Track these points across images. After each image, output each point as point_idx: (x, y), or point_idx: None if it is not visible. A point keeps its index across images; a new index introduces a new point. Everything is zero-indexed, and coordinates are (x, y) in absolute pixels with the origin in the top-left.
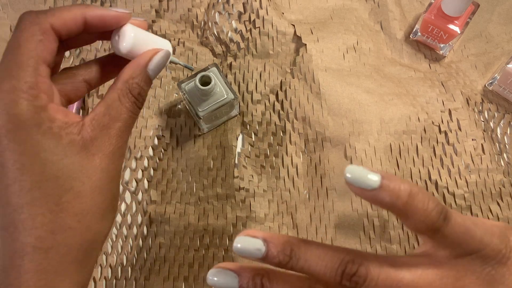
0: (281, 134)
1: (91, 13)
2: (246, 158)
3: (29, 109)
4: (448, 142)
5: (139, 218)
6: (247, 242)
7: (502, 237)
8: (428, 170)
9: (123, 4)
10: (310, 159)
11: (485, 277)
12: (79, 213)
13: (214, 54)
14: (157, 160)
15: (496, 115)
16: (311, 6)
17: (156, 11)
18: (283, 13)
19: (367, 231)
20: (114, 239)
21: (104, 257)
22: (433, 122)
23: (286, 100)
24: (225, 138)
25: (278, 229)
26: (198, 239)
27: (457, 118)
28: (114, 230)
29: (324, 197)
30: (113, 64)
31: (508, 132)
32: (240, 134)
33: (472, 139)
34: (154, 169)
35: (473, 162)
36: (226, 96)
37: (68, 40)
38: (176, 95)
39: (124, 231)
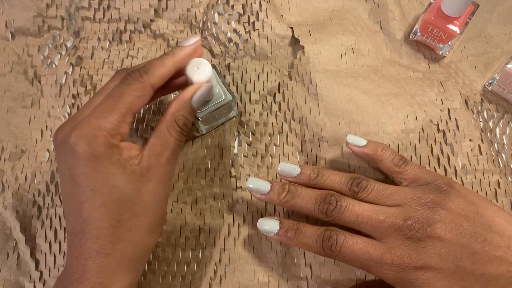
0: (278, 135)
1: (179, 59)
2: (243, 157)
3: (106, 145)
4: (445, 142)
5: None
6: (287, 165)
7: (446, 177)
8: None
9: (122, 3)
10: (307, 159)
11: (442, 196)
12: (133, 229)
13: (212, 54)
14: None
15: (495, 115)
16: (310, 7)
17: (155, 11)
18: (282, 15)
19: None
20: None
21: None
22: (431, 121)
23: (284, 101)
24: (223, 139)
25: None
26: (195, 238)
27: (455, 118)
28: None
29: None
30: (161, 88)
31: (507, 132)
32: (238, 134)
33: (470, 140)
34: None
35: (469, 162)
36: (224, 98)
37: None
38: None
39: None
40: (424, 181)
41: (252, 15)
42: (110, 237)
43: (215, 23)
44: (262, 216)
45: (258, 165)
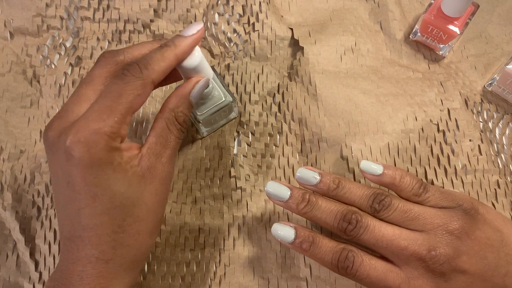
0: (278, 135)
1: (179, 52)
2: (243, 157)
3: (106, 149)
4: (445, 142)
5: None
6: (306, 172)
7: (470, 198)
8: (425, 169)
9: (122, 3)
10: (307, 160)
11: (470, 223)
12: (135, 233)
13: (212, 55)
14: None
15: (495, 116)
16: (310, 8)
17: (155, 11)
18: (282, 16)
19: None
20: None
21: None
22: (431, 121)
23: (283, 102)
24: (222, 139)
25: None
26: (194, 238)
27: (455, 118)
28: None
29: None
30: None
31: (507, 132)
32: (238, 134)
33: (470, 140)
34: None
35: (469, 162)
36: (224, 99)
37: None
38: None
39: None
40: (448, 205)
41: (252, 16)
42: (112, 243)
43: (215, 24)
44: (262, 217)
45: (258, 165)
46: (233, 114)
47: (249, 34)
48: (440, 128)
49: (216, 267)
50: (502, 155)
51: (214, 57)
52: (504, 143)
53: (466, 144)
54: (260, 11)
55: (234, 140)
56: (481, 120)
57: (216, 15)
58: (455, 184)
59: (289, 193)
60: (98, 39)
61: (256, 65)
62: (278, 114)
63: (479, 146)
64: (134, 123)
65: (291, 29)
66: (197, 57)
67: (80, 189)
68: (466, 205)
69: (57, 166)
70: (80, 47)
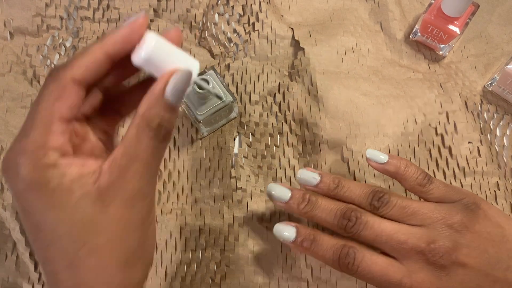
0: (278, 136)
1: (109, 43)
2: (243, 158)
3: (36, 169)
4: (444, 145)
5: None
6: (306, 173)
7: (472, 194)
8: None
9: (122, 3)
10: (307, 161)
11: (470, 217)
12: (95, 268)
13: (212, 55)
14: None
15: (495, 116)
16: (310, 7)
17: (155, 11)
18: (282, 16)
19: None
20: None
21: None
22: (430, 124)
23: (284, 102)
24: (222, 139)
25: None
26: (194, 239)
27: (454, 121)
28: None
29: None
30: (142, 88)
31: (508, 133)
32: (238, 135)
33: (469, 142)
34: None
35: (468, 165)
36: (224, 99)
37: (106, 81)
38: None
39: None
40: (450, 199)
41: (252, 15)
42: (68, 282)
43: (215, 24)
44: (262, 217)
45: (258, 166)
46: (233, 114)
47: (249, 33)
48: (439, 132)
49: (216, 268)
50: (503, 156)
51: (214, 57)
52: (505, 144)
53: (465, 146)
54: (260, 10)
55: (234, 140)
56: (481, 121)
57: (216, 15)
58: None
59: (289, 194)
60: (98, 39)
61: (256, 65)
62: (278, 114)
63: (478, 148)
64: None
65: (292, 29)
66: (144, 51)
67: (23, 220)
68: (467, 199)
69: (13, 201)
70: (80, 47)
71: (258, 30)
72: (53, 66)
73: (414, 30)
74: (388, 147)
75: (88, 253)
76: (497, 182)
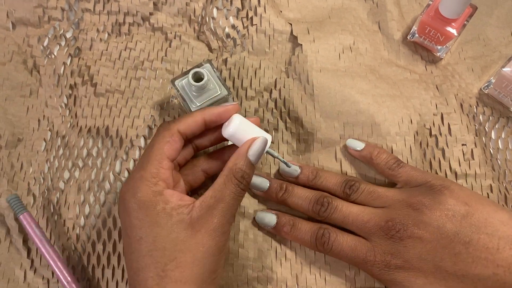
0: (273, 132)
1: (208, 114)
2: None
3: (149, 193)
4: (437, 146)
5: None
6: (287, 168)
7: (443, 178)
8: None
9: None
10: (300, 158)
11: (431, 197)
12: (178, 281)
13: (210, 49)
14: None
15: (490, 119)
16: (309, 5)
17: (154, 4)
18: (281, 11)
19: None
20: (103, 229)
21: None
22: (424, 125)
23: (280, 99)
24: None
25: None
26: None
27: (448, 123)
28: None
29: None
30: (227, 155)
31: (502, 136)
32: None
33: (462, 144)
34: None
35: (460, 167)
36: (219, 93)
37: (197, 141)
38: (171, 88)
39: (118, 222)
40: (416, 182)
41: (251, 10)
42: (156, 287)
43: (213, 18)
44: (254, 213)
45: None
46: None
47: (247, 28)
48: (433, 133)
49: None
50: (497, 159)
51: (212, 51)
52: (500, 146)
53: (458, 149)
54: (259, 5)
55: None
56: (476, 124)
57: (215, 9)
58: None
59: (268, 184)
60: (98, 30)
61: (253, 60)
62: (274, 110)
63: (472, 150)
64: None
65: (290, 24)
66: (232, 127)
67: (130, 233)
68: (434, 181)
69: (121, 220)
70: (80, 38)
71: (256, 24)
72: (53, 56)
73: (411, 31)
74: (381, 147)
75: (175, 266)
76: (490, 184)
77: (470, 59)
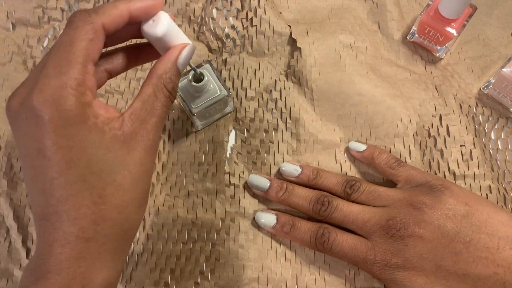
0: (273, 132)
1: (134, 6)
2: (238, 154)
3: (77, 106)
4: (435, 147)
5: None
6: (288, 165)
7: (443, 179)
8: None
9: None
10: (300, 159)
11: (432, 196)
12: (119, 205)
13: (209, 49)
14: None
15: (490, 119)
16: (309, 5)
17: None
18: (280, 13)
19: None
20: None
21: None
22: (423, 126)
23: (280, 100)
24: (217, 134)
25: None
26: (186, 232)
27: (447, 124)
28: None
29: None
30: (134, 54)
31: (502, 136)
32: (233, 130)
33: (461, 145)
34: None
35: (459, 168)
36: (219, 93)
37: (113, 36)
38: None
39: None
40: (417, 182)
41: (250, 11)
42: (92, 216)
43: (213, 19)
44: (254, 213)
45: (252, 162)
46: (228, 109)
47: (247, 29)
48: (431, 134)
49: (206, 261)
50: (497, 160)
51: (212, 52)
52: (499, 147)
53: (457, 149)
54: (259, 6)
55: (228, 134)
56: (475, 124)
57: (214, 10)
58: None
59: (268, 183)
60: None
61: (253, 61)
62: (274, 110)
63: (470, 151)
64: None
65: (290, 26)
66: (161, 27)
67: (52, 154)
68: (434, 181)
69: (24, 135)
70: None
71: (256, 25)
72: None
73: (411, 31)
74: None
75: (115, 190)
76: (490, 185)
77: (469, 59)
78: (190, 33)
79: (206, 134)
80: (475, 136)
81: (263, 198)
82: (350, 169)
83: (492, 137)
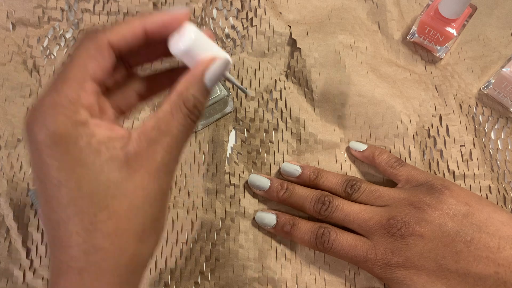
0: (273, 132)
1: (150, 21)
2: (238, 154)
3: (67, 125)
4: (435, 147)
5: None
6: (289, 165)
7: (443, 179)
8: None
9: None
10: (300, 159)
11: (432, 196)
12: (112, 234)
13: None
14: None
15: (490, 119)
16: (309, 5)
17: (154, 4)
18: (280, 13)
19: None
20: None
21: None
22: (423, 126)
23: (281, 100)
24: (217, 134)
25: None
26: (186, 232)
27: (446, 124)
28: None
29: None
30: (167, 76)
31: (502, 136)
32: (233, 130)
33: (461, 145)
34: None
35: (458, 168)
36: (219, 93)
37: (133, 58)
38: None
39: None
40: (417, 181)
41: (251, 11)
42: (83, 245)
43: (213, 18)
44: (254, 214)
45: (253, 162)
46: (228, 109)
47: (247, 29)
48: (431, 134)
49: (206, 261)
50: (497, 160)
51: None
52: (499, 147)
53: (456, 150)
54: (259, 6)
55: (228, 134)
56: (475, 124)
57: (215, 10)
58: None
59: (269, 183)
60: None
61: (253, 61)
62: (274, 110)
63: (470, 151)
64: None
65: (290, 26)
66: (184, 42)
67: (44, 176)
68: (434, 181)
69: (30, 159)
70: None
71: (256, 25)
72: (52, 57)
73: (411, 31)
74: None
75: (108, 217)
76: (489, 185)
77: (469, 59)
78: None
79: (206, 134)
80: (475, 136)
81: (263, 198)
82: (350, 169)
83: (492, 137)
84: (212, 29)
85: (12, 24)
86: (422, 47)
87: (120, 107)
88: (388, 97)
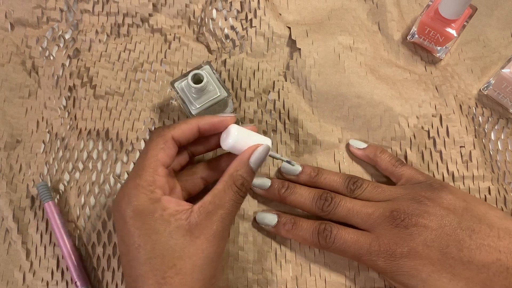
0: (272, 133)
1: (203, 122)
2: None
3: (146, 201)
4: (435, 148)
5: None
6: (289, 166)
7: (441, 180)
8: None
9: None
10: (299, 159)
11: (432, 192)
12: (178, 287)
13: (209, 50)
14: None
15: (489, 120)
16: (309, 6)
17: (154, 5)
18: (280, 14)
19: None
20: (103, 231)
21: (97, 248)
22: (422, 127)
23: (279, 101)
24: None
25: None
26: None
27: (447, 125)
28: (107, 226)
29: None
30: (227, 163)
31: (502, 137)
32: None
33: (461, 146)
34: None
35: (458, 169)
36: (219, 94)
37: (192, 147)
38: (170, 90)
39: None
40: (417, 180)
41: (250, 12)
42: None
43: (212, 19)
44: (254, 215)
45: None
46: (229, 109)
47: (247, 30)
48: (431, 135)
49: None
50: (497, 161)
51: (211, 52)
52: (499, 148)
53: (456, 151)
54: (258, 7)
55: None
56: (475, 125)
57: (214, 10)
58: None
59: (270, 182)
60: (96, 32)
61: (252, 62)
62: (273, 111)
63: (470, 152)
64: None
65: (289, 28)
66: (231, 139)
67: (127, 241)
68: (433, 181)
69: (117, 228)
70: (79, 39)
71: (255, 26)
72: (51, 57)
73: (411, 32)
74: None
75: (175, 273)
76: (489, 186)
77: (469, 60)
78: (189, 34)
79: None
80: (475, 137)
81: (263, 199)
82: (348, 170)
83: (492, 138)
84: (212, 29)
85: (11, 24)
86: (422, 47)
87: (188, 190)
88: (387, 98)
